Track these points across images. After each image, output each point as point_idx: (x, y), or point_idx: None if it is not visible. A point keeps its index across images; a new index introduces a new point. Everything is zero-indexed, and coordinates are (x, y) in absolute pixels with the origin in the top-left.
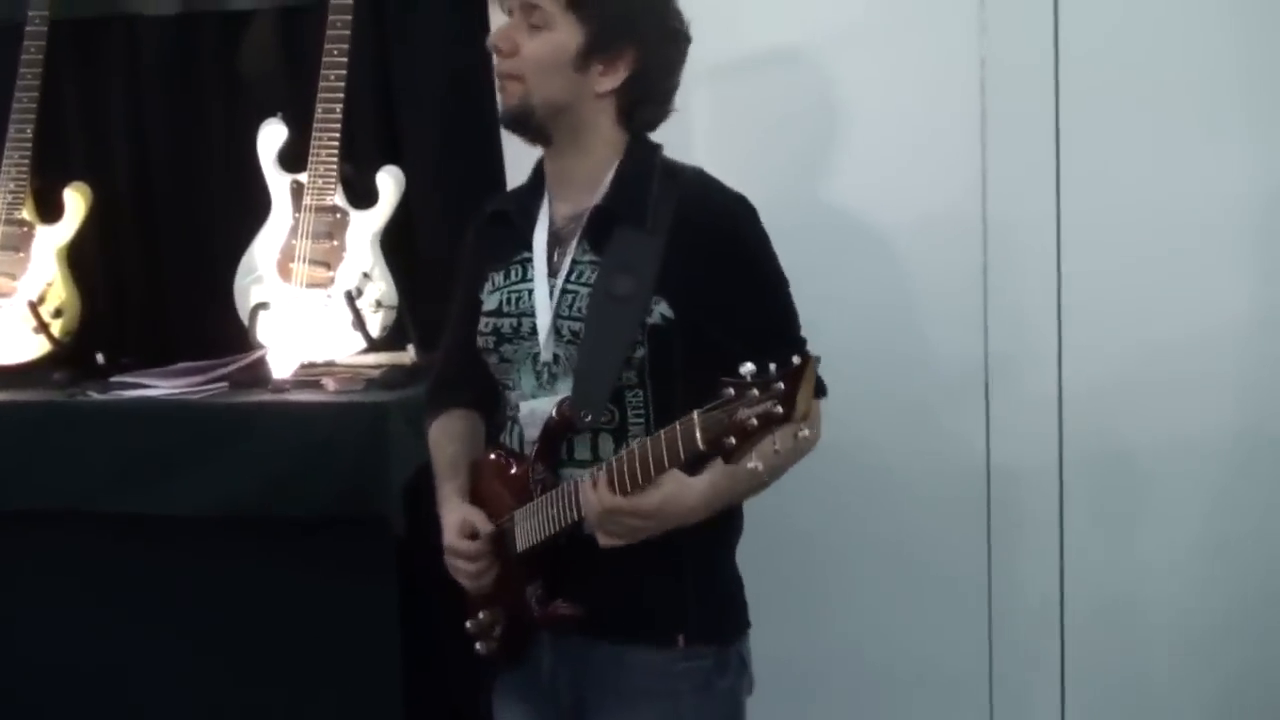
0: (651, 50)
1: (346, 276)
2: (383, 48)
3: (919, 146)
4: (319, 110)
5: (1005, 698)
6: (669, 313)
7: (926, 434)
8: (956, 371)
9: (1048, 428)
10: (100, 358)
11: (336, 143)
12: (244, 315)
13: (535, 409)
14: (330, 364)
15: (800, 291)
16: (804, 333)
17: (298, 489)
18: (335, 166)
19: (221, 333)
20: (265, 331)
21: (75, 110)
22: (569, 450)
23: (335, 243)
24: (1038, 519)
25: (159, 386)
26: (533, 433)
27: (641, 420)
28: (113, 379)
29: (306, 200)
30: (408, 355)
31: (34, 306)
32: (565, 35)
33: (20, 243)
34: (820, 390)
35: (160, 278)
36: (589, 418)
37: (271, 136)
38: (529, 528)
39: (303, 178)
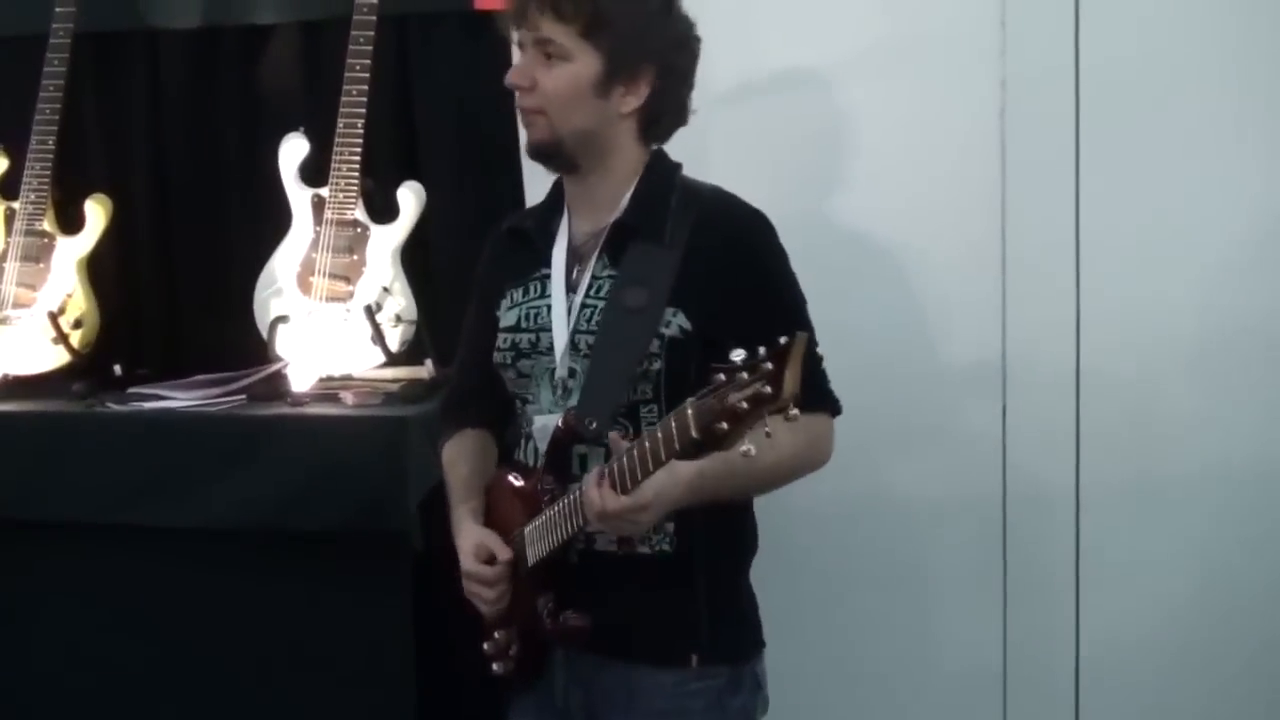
0: (668, 62)
1: (366, 291)
2: (404, 62)
3: (938, 165)
4: (340, 125)
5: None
6: (687, 325)
7: (943, 451)
8: (973, 389)
9: (1065, 444)
10: (119, 369)
11: (358, 157)
12: (263, 328)
13: (548, 424)
14: (349, 378)
15: (818, 310)
16: (821, 350)
17: (315, 503)
18: (356, 181)
19: (240, 345)
20: (284, 345)
21: (97, 123)
22: (582, 465)
23: (355, 257)
24: (1055, 537)
25: (177, 398)
26: (545, 448)
27: None
28: (131, 390)
29: (327, 214)
30: (426, 370)
31: (54, 317)
32: (583, 64)
33: (41, 254)
34: (835, 409)
35: (180, 290)
36: (594, 425)
37: (293, 151)
38: (538, 540)
39: (324, 192)
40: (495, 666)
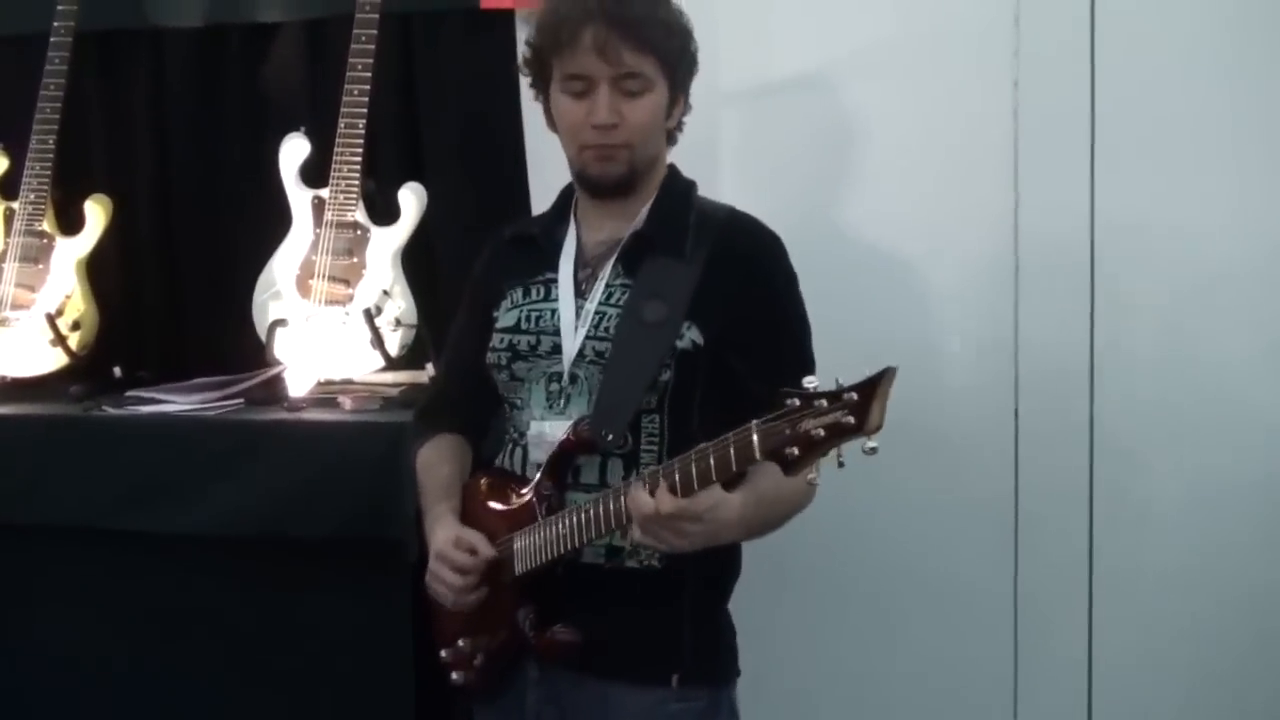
0: (693, 74)
1: (366, 294)
2: (407, 62)
3: (952, 164)
4: (341, 125)
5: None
6: (699, 339)
7: (955, 463)
8: (986, 391)
9: (1079, 448)
10: (118, 371)
11: (359, 158)
12: (262, 331)
13: (545, 431)
14: (348, 382)
15: (829, 309)
16: (830, 348)
17: (312, 509)
18: (357, 182)
19: (239, 348)
20: (283, 348)
21: (97, 122)
22: (575, 475)
23: (355, 259)
24: (1067, 541)
25: (175, 402)
26: (539, 455)
27: (655, 447)
28: (128, 394)
29: (327, 216)
30: (426, 374)
31: (52, 319)
32: (660, 92)
33: (40, 254)
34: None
35: (179, 292)
36: (610, 437)
37: (293, 151)
38: (531, 549)
39: (324, 193)
40: (454, 676)
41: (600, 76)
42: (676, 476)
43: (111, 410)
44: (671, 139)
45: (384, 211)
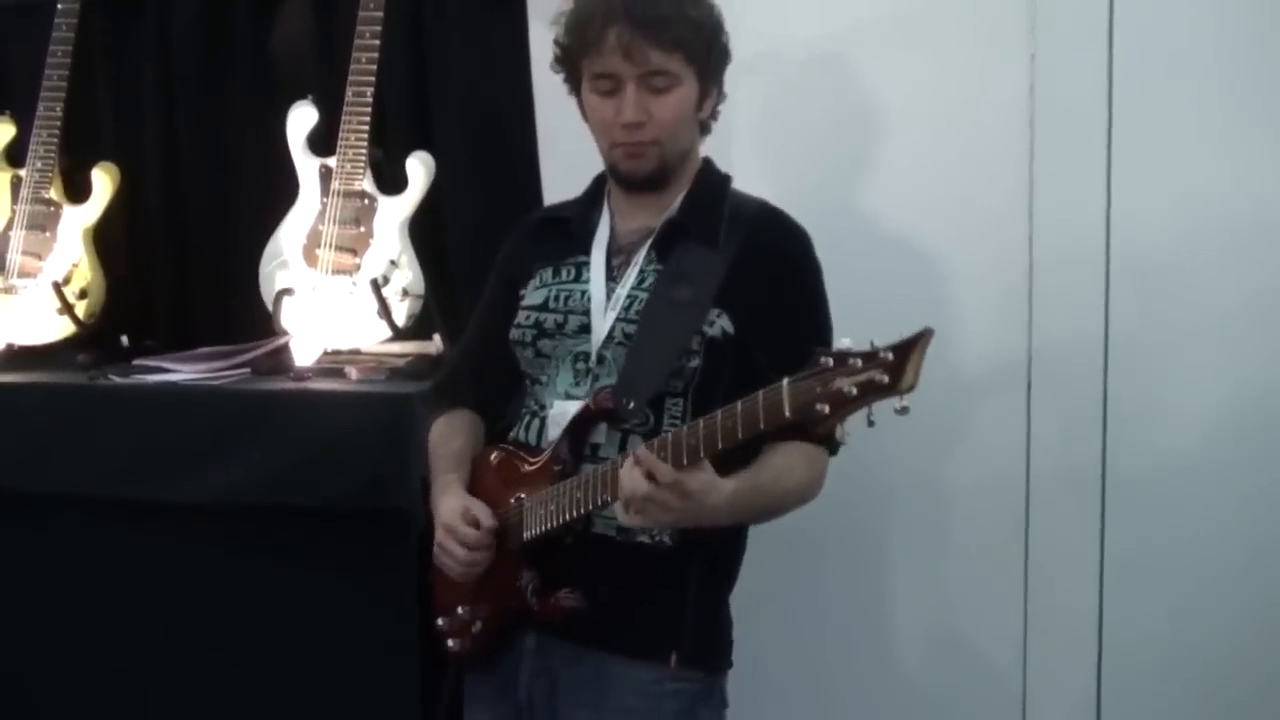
0: (725, 65)
1: (373, 264)
2: (417, 30)
3: (966, 142)
4: (349, 93)
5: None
6: (729, 328)
7: (966, 443)
8: (999, 374)
9: (1092, 431)
10: (126, 340)
11: (366, 127)
12: (268, 301)
13: (569, 410)
14: (354, 352)
15: (842, 294)
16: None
17: (317, 479)
18: (365, 151)
19: (246, 318)
20: (289, 318)
21: (105, 90)
22: (594, 450)
23: (362, 229)
24: (1079, 525)
25: (181, 371)
26: (558, 433)
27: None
28: (135, 362)
29: (335, 185)
30: (434, 345)
31: (59, 287)
32: (689, 87)
33: (47, 222)
34: (835, 449)
35: (186, 260)
36: (631, 405)
37: (301, 119)
38: (541, 515)
39: (331, 162)
40: (450, 643)
41: (626, 75)
42: (685, 438)
43: (118, 379)
44: (705, 129)
45: (392, 181)
